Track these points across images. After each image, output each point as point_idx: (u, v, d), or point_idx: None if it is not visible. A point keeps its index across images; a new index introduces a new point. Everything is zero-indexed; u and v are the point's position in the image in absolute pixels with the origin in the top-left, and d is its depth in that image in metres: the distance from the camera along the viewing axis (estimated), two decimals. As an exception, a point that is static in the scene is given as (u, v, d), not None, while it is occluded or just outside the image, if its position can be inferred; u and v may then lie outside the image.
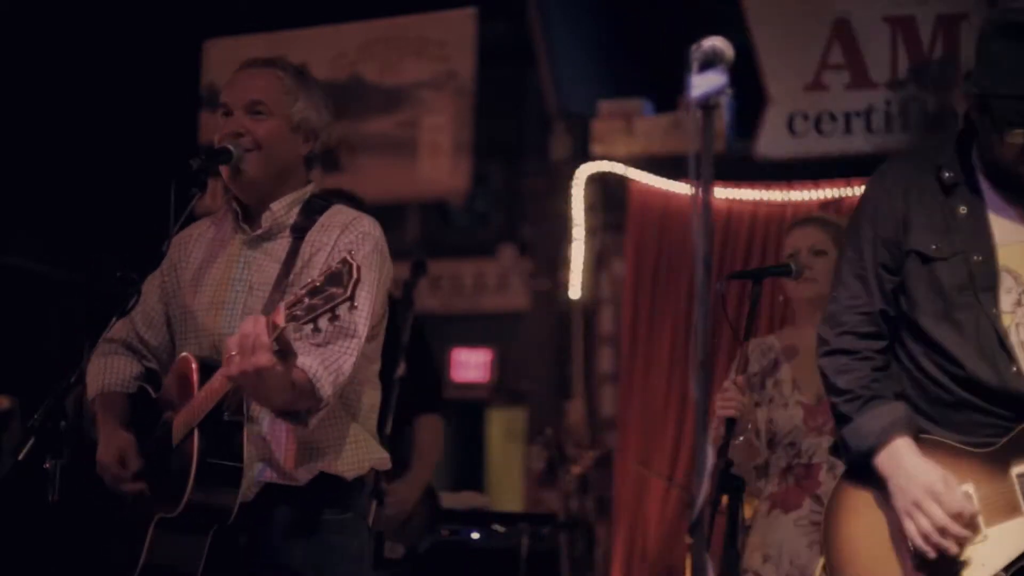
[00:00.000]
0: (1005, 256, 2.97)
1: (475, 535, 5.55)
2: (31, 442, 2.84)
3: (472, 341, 9.85)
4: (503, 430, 10.77)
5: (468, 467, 10.63)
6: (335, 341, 3.14)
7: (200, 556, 3.15)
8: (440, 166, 7.68)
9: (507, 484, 10.43)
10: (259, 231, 3.33)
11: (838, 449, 3.07)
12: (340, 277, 2.79)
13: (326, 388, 3.06)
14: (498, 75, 7.92)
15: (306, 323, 2.82)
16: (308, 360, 3.06)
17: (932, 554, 2.83)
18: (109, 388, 3.40)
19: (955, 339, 2.94)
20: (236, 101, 3.33)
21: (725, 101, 2.52)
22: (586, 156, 7.36)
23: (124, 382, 3.47)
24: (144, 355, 3.50)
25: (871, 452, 2.94)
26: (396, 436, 4.87)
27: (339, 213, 3.36)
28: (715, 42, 2.49)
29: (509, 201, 8.34)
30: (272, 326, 2.87)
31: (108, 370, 3.42)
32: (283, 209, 3.34)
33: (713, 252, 2.51)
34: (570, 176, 7.30)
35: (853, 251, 3.09)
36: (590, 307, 7.46)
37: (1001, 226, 2.98)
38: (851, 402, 3.00)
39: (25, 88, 7.34)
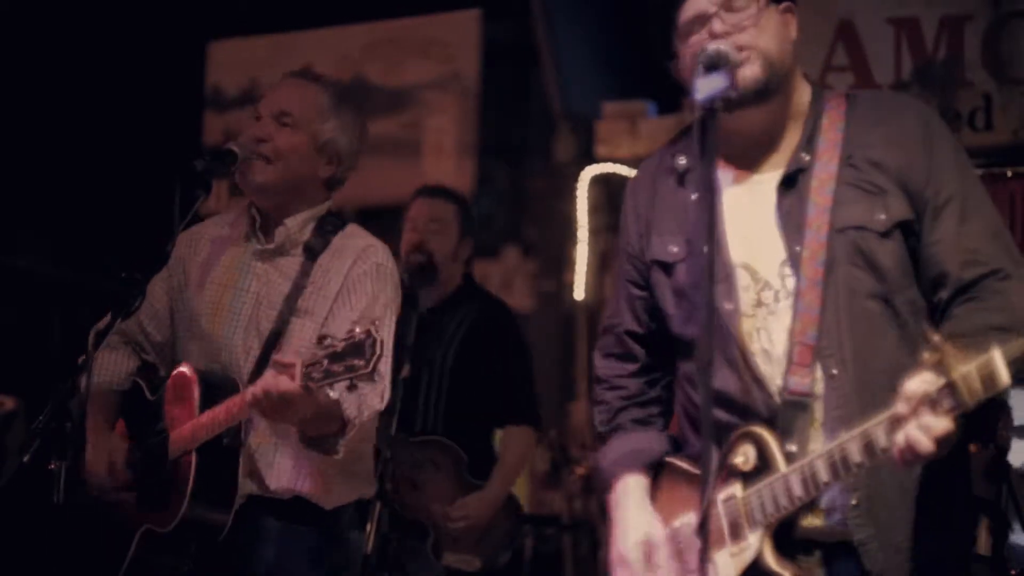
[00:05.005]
0: (737, 251, 2.55)
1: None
2: (36, 444, 2.85)
3: (476, 342, 9.78)
4: (507, 431, 10.71)
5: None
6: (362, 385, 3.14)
7: (184, 566, 3.17)
8: (444, 167, 7.67)
9: (511, 485, 10.38)
10: (271, 245, 3.32)
11: None
12: (362, 349, 2.73)
13: (351, 410, 3.06)
14: (502, 76, 7.91)
15: (321, 386, 2.79)
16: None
17: None
18: (102, 386, 3.38)
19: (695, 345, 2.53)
20: (267, 107, 3.32)
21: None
22: (590, 157, 7.36)
23: (119, 379, 3.45)
24: (144, 349, 3.48)
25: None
26: (480, 443, 4.78)
27: (352, 237, 3.33)
28: (720, 45, 2.49)
29: (513, 202, 8.32)
30: (285, 384, 2.85)
31: (102, 366, 3.38)
32: (297, 226, 3.32)
33: (716, 252, 2.50)
34: (574, 177, 7.30)
35: (616, 266, 2.86)
36: (594, 308, 7.45)
37: (735, 214, 2.57)
38: (599, 441, 2.80)
39: (30, 89, 7.33)
